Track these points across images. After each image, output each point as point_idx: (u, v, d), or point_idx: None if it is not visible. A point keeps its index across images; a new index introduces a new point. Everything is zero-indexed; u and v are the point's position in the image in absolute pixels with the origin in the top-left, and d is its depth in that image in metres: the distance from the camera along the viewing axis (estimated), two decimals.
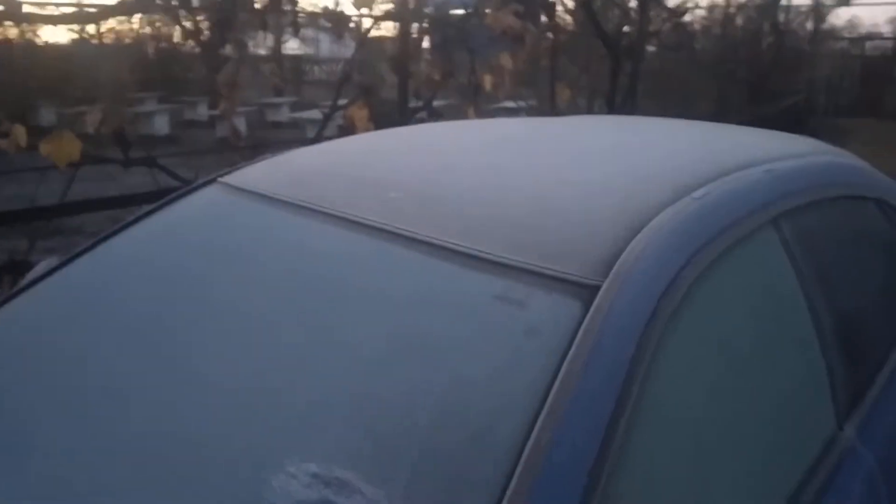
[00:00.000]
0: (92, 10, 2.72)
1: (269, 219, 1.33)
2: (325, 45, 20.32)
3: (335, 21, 2.98)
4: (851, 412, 1.28)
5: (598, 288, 0.93)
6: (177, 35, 14.55)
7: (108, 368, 1.12)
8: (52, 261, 1.73)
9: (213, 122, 12.54)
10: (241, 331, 1.08)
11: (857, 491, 1.17)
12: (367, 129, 3.10)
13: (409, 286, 1.03)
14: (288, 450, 0.83)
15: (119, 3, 2.57)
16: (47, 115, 10.24)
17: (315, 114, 11.87)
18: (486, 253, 1.01)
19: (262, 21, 2.81)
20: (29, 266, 2.48)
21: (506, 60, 3.33)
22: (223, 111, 2.76)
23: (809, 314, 1.26)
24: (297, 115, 11.94)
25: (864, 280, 1.61)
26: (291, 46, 16.74)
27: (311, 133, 10.25)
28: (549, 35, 3.69)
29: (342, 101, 3.49)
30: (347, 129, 3.16)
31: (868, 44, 17.93)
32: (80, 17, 2.74)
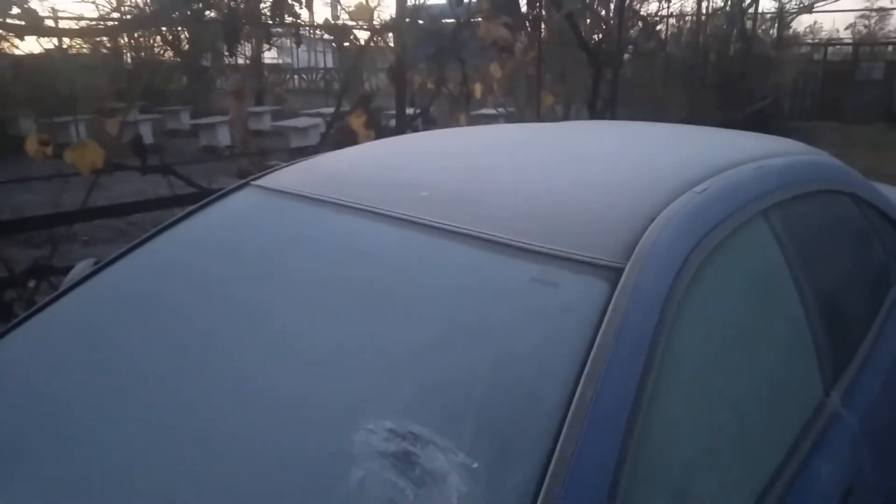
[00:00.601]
0: (112, 23, 2.80)
1: (311, 217, 1.44)
2: (303, 55, 20.37)
3: (337, 33, 3.10)
4: (836, 381, 1.44)
5: (622, 270, 1.06)
6: (156, 46, 14.54)
7: (196, 345, 1.23)
8: (88, 262, 1.82)
9: (196, 131, 12.55)
10: (311, 314, 1.19)
11: (843, 449, 1.33)
12: (366, 135, 3.22)
13: (455, 273, 1.16)
14: (365, 412, 0.96)
15: (136, 17, 2.65)
16: (25, 125, 10.17)
17: (299, 122, 11.95)
18: (522, 242, 1.15)
19: (267, 33, 2.92)
20: (52, 270, 2.57)
21: (495, 69, 3.48)
22: (233, 118, 2.85)
23: (797, 294, 1.42)
24: (280, 123, 11.99)
25: (843, 263, 1.77)
26: (269, 56, 16.79)
27: (294, 142, 10.32)
28: (535, 45, 3.85)
29: (336, 108, 3.59)
30: (346, 135, 3.28)
31: (829, 49, 18.49)
32: (100, 31, 2.82)
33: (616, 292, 1.03)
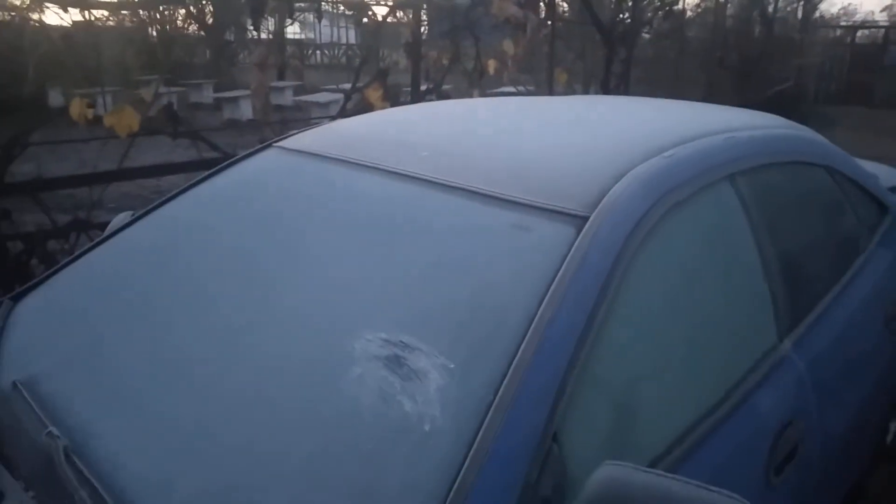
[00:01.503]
0: None
1: (326, 172, 1.64)
2: (325, 30, 20.47)
3: (356, 8, 3.26)
4: (790, 331, 1.61)
5: (586, 219, 1.24)
6: (180, 19, 14.72)
7: (223, 283, 1.43)
8: (126, 214, 2.03)
9: (220, 104, 12.79)
10: (319, 254, 1.39)
11: (787, 387, 1.50)
12: (382, 108, 3.39)
13: (447, 219, 1.35)
14: (363, 326, 1.15)
15: None
16: (55, 97, 10.46)
17: (321, 97, 12.13)
18: (504, 194, 1.33)
19: (290, 7, 3.09)
20: (90, 225, 2.80)
21: (508, 46, 3.63)
22: (255, 89, 3.04)
23: (757, 252, 1.59)
24: (302, 98, 12.18)
25: (809, 229, 1.93)
26: (292, 31, 16.95)
27: (316, 115, 10.51)
28: (548, 23, 3.98)
29: (353, 82, 3.77)
30: (364, 108, 3.45)
31: (859, 32, 18.17)
32: (137, 4, 3.01)
33: (579, 236, 1.21)
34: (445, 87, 3.85)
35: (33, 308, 1.62)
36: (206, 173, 1.94)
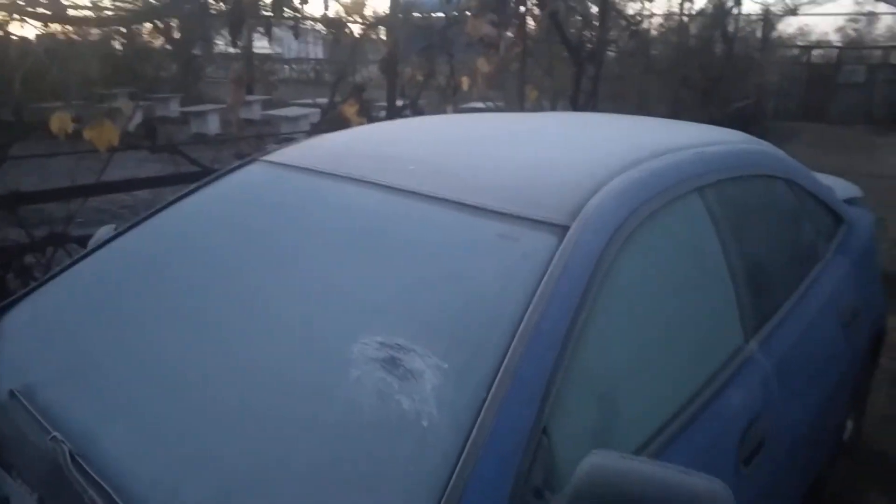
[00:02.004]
0: (127, 12, 3.02)
1: (315, 186, 1.69)
2: (293, 45, 20.48)
3: (334, 26, 3.33)
4: (756, 332, 1.71)
5: (567, 228, 1.32)
6: (146, 33, 14.56)
7: (219, 289, 1.47)
8: (109, 227, 2.05)
9: (186, 118, 12.71)
10: (313, 265, 1.44)
11: (753, 385, 1.59)
12: (358, 123, 3.46)
13: (437, 230, 1.41)
14: (360, 331, 1.21)
15: (152, 7, 2.88)
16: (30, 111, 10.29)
17: (290, 111, 12.14)
18: (489, 205, 1.40)
19: (268, 25, 3.14)
20: (68, 238, 2.79)
21: (482, 64, 3.73)
22: (230, 104, 3.08)
23: (724, 259, 1.69)
24: (270, 112, 12.17)
25: (771, 237, 2.04)
26: (261, 46, 16.91)
27: (285, 129, 10.51)
28: (519, 41, 4.09)
29: (330, 97, 3.82)
30: (340, 123, 3.51)
31: (814, 52, 18.83)
32: (118, 20, 3.03)
33: (562, 245, 1.29)
34: (419, 102, 3.93)
35: (21, 320, 1.64)
36: (191, 187, 1.97)
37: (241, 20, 2.95)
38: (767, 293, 1.84)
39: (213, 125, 12.62)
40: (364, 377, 1.12)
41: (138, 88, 13.59)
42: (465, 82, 3.96)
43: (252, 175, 1.89)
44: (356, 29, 3.47)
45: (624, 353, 1.33)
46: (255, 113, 13.37)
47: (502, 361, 1.10)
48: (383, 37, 3.87)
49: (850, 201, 2.81)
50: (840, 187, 2.91)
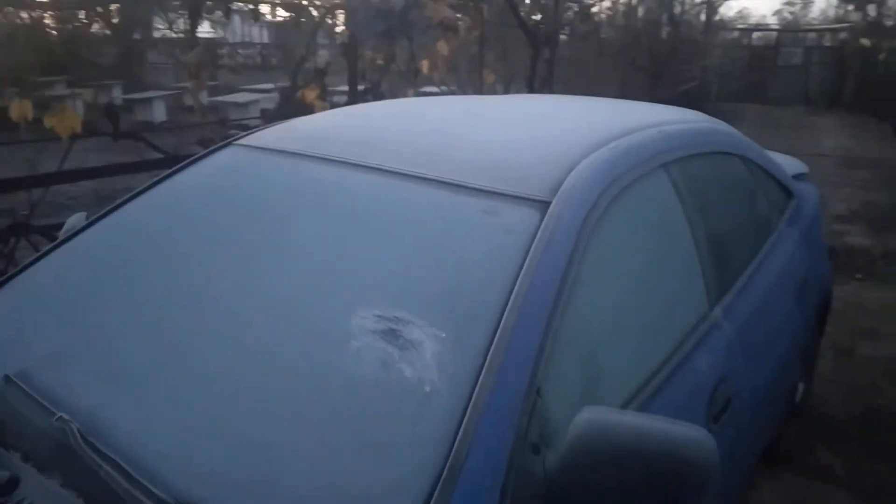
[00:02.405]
0: None
1: (296, 168, 1.71)
2: (238, 30, 20.02)
3: (294, 10, 3.31)
4: (719, 299, 1.82)
5: (549, 203, 1.39)
6: (82, 17, 14.01)
7: (214, 269, 1.49)
8: (80, 216, 2.03)
9: (130, 106, 12.35)
10: (308, 244, 1.47)
11: (719, 349, 1.70)
12: (321, 107, 3.46)
13: (423, 208, 1.46)
14: (357, 307, 1.26)
15: None
16: None
17: (239, 97, 11.92)
18: (472, 183, 1.46)
19: (227, 9, 3.11)
20: (31, 228, 2.73)
21: (442, 47, 3.77)
22: (191, 89, 3.05)
23: (690, 231, 1.79)
24: (218, 98, 11.92)
25: (730, 210, 2.16)
26: (204, 30, 16.49)
27: (235, 116, 10.32)
28: (477, 25, 4.14)
29: (292, 81, 3.81)
30: (302, 108, 3.51)
31: (755, 34, 19.42)
32: (51, 4, 2.93)
33: (545, 219, 1.36)
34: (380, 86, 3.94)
35: (3, 307, 1.63)
36: (166, 173, 1.97)
37: (199, 4, 2.91)
38: (728, 263, 1.96)
39: (158, 113, 12.30)
40: (365, 349, 1.17)
41: (77, 76, 13.10)
42: (425, 66, 3.99)
43: (229, 159, 1.90)
44: (315, 13, 3.45)
45: (604, 319, 1.42)
46: (202, 99, 13.05)
47: (496, 329, 1.16)
48: (341, 20, 3.87)
49: (797, 177, 2.97)
50: (788, 164, 3.07)
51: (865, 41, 15.95)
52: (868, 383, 3.42)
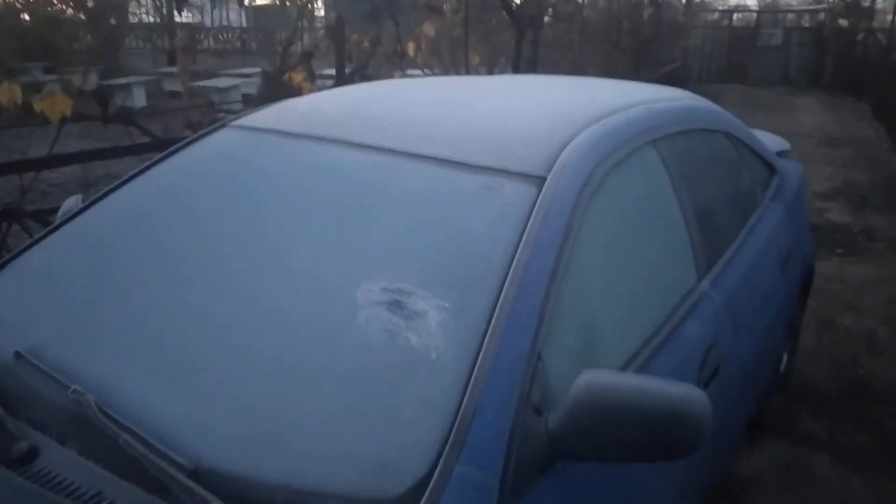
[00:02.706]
0: None
1: (290, 147, 1.74)
2: (215, 14, 19.78)
3: None
4: (708, 271, 1.88)
5: (545, 178, 1.43)
6: (56, 1, 13.73)
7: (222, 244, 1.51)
8: (77, 198, 2.04)
9: (110, 91, 12.17)
10: (313, 221, 1.50)
11: (708, 317, 1.76)
12: (308, 90, 3.47)
13: (423, 184, 1.50)
14: (360, 279, 1.29)
15: None
16: None
17: (220, 82, 11.80)
18: (471, 161, 1.50)
19: None
20: (23, 213, 2.73)
21: (428, 29, 3.78)
22: (179, 72, 3.04)
23: (678, 205, 1.84)
24: (199, 83, 11.78)
25: (716, 185, 2.22)
26: (182, 16, 16.28)
27: (217, 100, 10.23)
28: (462, 6, 4.15)
29: (280, 64, 3.80)
30: (289, 91, 3.51)
31: (735, 16, 19.51)
32: None
33: (541, 194, 1.40)
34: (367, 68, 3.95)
35: (7, 287, 1.64)
36: (161, 155, 1.98)
37: None
38: (715, 236, 2.01)
39: (138, 98, 12.14)
40: (372, 319, 1.21)
41: (52, 62, 12.87)
42: (411, 48, 4.00)
43: (226, 140, 1.92)
44: None
45: (600, 288, 1.46)
46: (187, 83, 12.90)
47: (498, 298, 1.20)
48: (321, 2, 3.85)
49: (780, 154, 3.03)
50: (771, 141, 3.13)
51: (843, 22, 16.12)
52: (849, 354, 3.53)
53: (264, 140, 1.83)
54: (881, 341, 3.66)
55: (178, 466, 1.04)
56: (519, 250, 1.28)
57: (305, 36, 6.17)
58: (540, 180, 1.43)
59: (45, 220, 2.55)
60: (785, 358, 2.89)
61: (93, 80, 13.14)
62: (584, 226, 1.42)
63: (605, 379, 1.11)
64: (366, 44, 3.87)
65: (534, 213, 1.36)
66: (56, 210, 1.98)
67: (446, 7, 3.90)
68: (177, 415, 1.15)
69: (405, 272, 1.31)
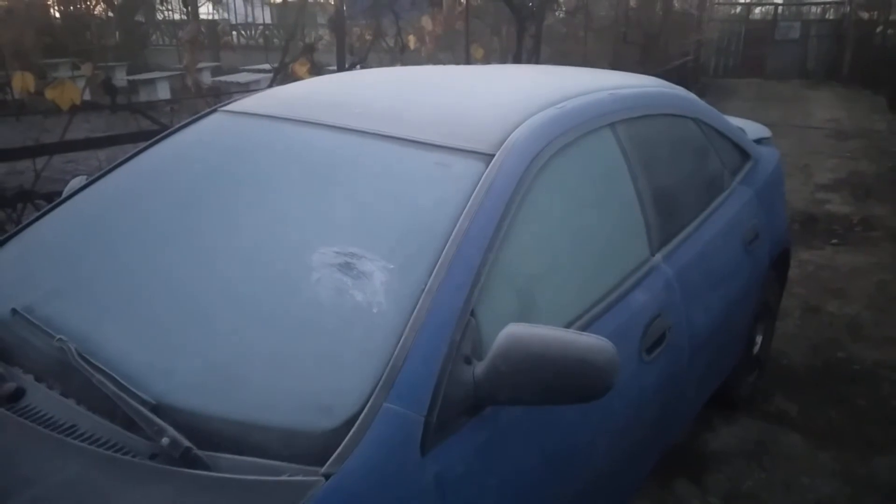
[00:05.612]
0: None
1: (274, 129, 1.89)
2: (240, 10, 20.06)
3: None
4: (662, 247, 1.99)
5: (492, 156, 1.56)
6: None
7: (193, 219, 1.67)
8: (81, 178, 2.21)
9: (135, 86, 12.49)
10: (278, 194, 1.65)
11: (656, 288, 1.88)
12: None
13: (382, 161, 1.64)
14: (317, 244, 1.44)
15: None
16: None
17: (241, 77, 12.06)
18: (429, 140, 1.63)
19: None
20: (36, 195, 2.91)
21: (426, 22, 3.91)
22: (187, 65, 3.21)
23: (633, 185, 1.95)
24: (221, 79, 12.04)
25: (678, 168, 2.32)
26: (205, 11, 16.58)
27: (236, 95, 10.44)
28: (463, 1, 4.27)
29: (282, 57, 3.95)
30: (293, 81, 3.66)
31: (757, 9, 19.31)
32: None
33: (487, 170, 1.53)
34: (368, 62, 4.09)
35: (12, 254, 1.81)
36: (158, 136, 2.15)
37: None
38: (673, 216, 2.12)
39: (162, 92, 12.44)
40: (324, 278, 1.36)
41: (81, 58, 13.21)
42: (412, 41, 4.13)
43: (214, 123, 2.07)
44: None
45: (542, 256, 1.59)
46: (206, 79, 13.19)
47: (437, 260, 1.34)
48: None
49: (759, 141, 3.12)
50: (751, 129, 3.22)
51: (864, 14, 15.91)
52: (830, 338, 3.60)
53: (247, 123, 1.99)
54: (863, 326, 3.73)
55: (143, 402, 1.20)
56: (460, 219, 1.41)
57: (318, 30, 6.31)
58: (488, 157, 1.56)
59: (55, 201, 2.73)
60: (759, 339, 2.98)
61: (120, 76, 13.52)
62: (530, 199, 1.55)
63: (523, 331, 1.24)
64: (367, 36, 4.00)
65: (478, 187, 1.49)
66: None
67: (446, 2, 4.02)
68: (144, 360, 1.31)
69: (359, 238, 1.45)
